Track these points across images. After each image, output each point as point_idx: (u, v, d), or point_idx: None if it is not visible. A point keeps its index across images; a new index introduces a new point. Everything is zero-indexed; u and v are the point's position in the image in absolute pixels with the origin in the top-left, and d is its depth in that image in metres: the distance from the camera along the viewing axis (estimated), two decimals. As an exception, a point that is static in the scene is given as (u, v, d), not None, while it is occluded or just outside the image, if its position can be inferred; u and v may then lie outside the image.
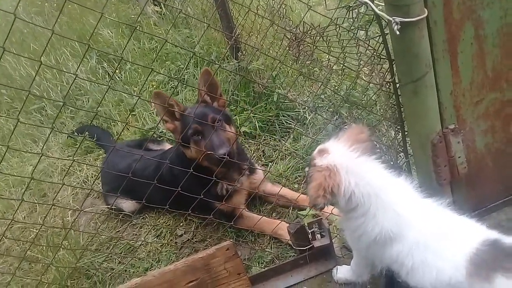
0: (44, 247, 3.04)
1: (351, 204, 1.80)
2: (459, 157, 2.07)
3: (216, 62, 4.22)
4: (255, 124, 3.72)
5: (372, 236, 1.79)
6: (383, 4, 1.73)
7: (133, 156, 3.20)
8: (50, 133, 2.04)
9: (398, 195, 1.82)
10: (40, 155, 1.88)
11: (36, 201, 3.76)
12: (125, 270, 2.98)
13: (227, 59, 4.23)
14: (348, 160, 1.80)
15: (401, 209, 1.78)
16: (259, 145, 3.63)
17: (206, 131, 2.69)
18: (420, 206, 1.84)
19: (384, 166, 1.87)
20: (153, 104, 2.62)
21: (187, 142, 2.72)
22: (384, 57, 2.09)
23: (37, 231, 3.19)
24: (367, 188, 1.77)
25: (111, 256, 3.10)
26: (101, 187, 3.63)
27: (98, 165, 3.84)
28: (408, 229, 1.78)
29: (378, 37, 2.04)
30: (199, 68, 4.43)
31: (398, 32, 1.66)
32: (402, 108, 2.13)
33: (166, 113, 2.69)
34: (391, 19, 1.66)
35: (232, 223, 2.78)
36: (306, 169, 1.99)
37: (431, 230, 1.77)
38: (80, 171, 3.97)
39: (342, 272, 2.42)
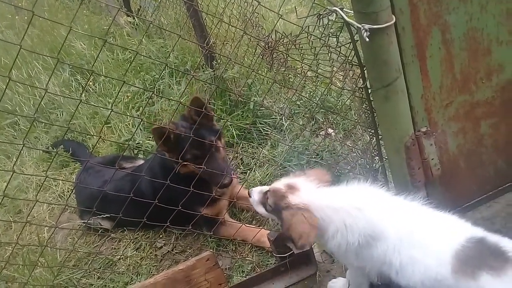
0: (20, 265, 2.97)
1: (323, 230, 1.85)
2: (432, 159, 2.12)
3: (191, 72, 4.21)
4: (232, 133, 3.72)
5: (355, 243, 1.80)
6: (352, 11, 1.76)
7: (107, 175, 3.19)
8: (21, 149, 2.01)
9: (361, 198, 1.86)
10: (12, 172, 1.85)
11: (11, 218, 3.67)
12: (105, 285, 2.93)
13: (202, 68, 4.23)
14: (319, 199, 1.85)
15: (366, 208, 1.81)
16: (237, 153, 3.62)
17: (204, 153, 2.69)
18: (391, 204, 1.88)
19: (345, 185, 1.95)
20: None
21: (185, 161, 2.67)
22: (355, 63, 2.12)
23: (12, 249, 3.11)
24: (331, 211, 1.82)
25: (89, 272, 3.04)
26: (76, 203, 3.57)
27: (74, 179, 3.77)
28: (384, 226, 1.80)
29: (349, 43, 2.08)
30: (174, 77, 4.41)
31: (367, 39, 1.69)
32: (375, 113, 2.16)
33: (163, 140, 2.60)
34: (360, 26, 1.70)
35: (213, 231, 2.78)
36: (254, 195, 2.04)
37: (411, 226, 1.80)
38: (55, 185, 3.89)
39: (339, 286, 2.40)
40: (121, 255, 3.10)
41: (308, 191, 1.87)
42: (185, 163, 2.64)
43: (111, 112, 1.95)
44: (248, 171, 3.48)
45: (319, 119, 3.63)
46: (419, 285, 1.77)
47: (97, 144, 4.08)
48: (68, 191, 3.82)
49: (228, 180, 2.75)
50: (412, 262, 1.76)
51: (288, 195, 1.85)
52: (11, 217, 3.73)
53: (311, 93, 3.63)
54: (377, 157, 2.53)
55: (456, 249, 1.69)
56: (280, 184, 1.93)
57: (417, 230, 1.79)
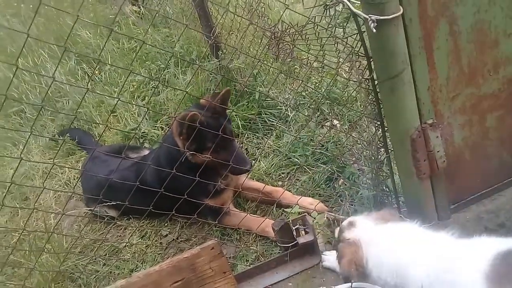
0: (27, 251, 3.00)
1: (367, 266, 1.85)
2: (438, 152, 2.11)
3: (196, 62, 4.21)
4: (238, 123, 3.71)
5: (390, 283, 1.80)
6: (359, 2, 1.76)
7: (113, 164, 3.18)
8: (29, 137, 2.01)
9: (399, 236, 1.87)
10: (20, 159, 1.86)
11: (17, 205, 3.71)
12: (110, 272, 2.96)
13: (208, 58, 4.22)
14: (369, 236, 1.89)
15: (398, 248, 1.82)
16: (242, 143, 3.63)
17: (225, 142, 2.73)
18: (424, 244, 1.83)
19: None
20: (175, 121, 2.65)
21: (202, 151, 2.70)
22: (362, 54, 2.12)
23: (19, 235, 3.15)
24: (374, 248, 1.85)
25: (95, 259, 3.07)
26: (82, 191, 3.59)
27: (80, 167, 3.80)
28: (411, 267, 1.75)
29: (355, 34, 2.07)
30: (179, 67, 4.41)
31: (374, 30, 1.69)
32: (381, 104, 2.16)
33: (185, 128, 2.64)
34: (367, 17, 1.69)
35: (218, 221, 2.80)
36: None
37: (440, 264, 1.71)
38: (62, 173, 3.92)
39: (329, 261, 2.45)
40: (126, 243, 3.12)
41: (362, 228, 1.94)
42: (196, 154, 2.68)
43: (118, 101, 1.95)
44: (253, 162, 3.49)
45: (324, 110, 3.63)
46: None
47: (103, 133, 4.10)
48: (74, 179, 3.85)
49: (249, 166, 2.81)
50: None
51: (345, 230, 1.96)
52: (17, 204, 3.77)
53: (317, 84, 3.63)
54: (382, 149, 2.52)
55: (485, 269, 1.57)
56: (345, 221, 2.04)
57: (440, 259, 1.72)
